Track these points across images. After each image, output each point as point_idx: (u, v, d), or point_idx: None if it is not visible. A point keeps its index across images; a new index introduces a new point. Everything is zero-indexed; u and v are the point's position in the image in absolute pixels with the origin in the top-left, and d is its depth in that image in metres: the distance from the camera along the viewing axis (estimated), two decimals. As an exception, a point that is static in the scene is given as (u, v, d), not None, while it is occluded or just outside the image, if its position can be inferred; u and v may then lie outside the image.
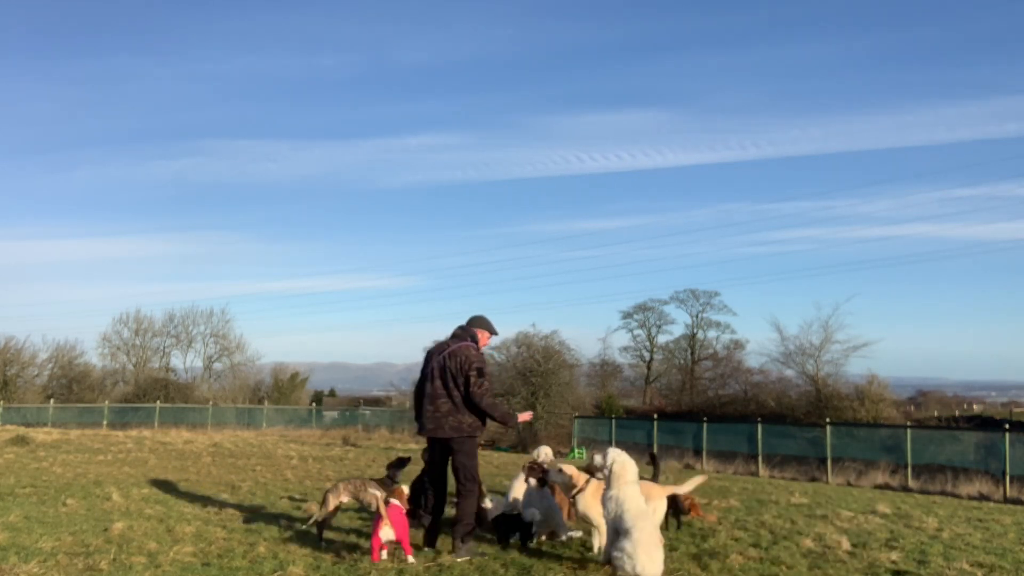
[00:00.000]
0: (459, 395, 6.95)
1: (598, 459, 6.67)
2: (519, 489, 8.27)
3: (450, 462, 7.15)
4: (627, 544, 5.97)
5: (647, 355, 69.04)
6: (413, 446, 25.83)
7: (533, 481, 7.63)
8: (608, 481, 6.42)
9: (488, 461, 20.01)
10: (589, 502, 6.90)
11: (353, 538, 7.65)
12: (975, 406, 72.46)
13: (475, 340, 7.28)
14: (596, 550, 7.09)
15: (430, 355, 7.26)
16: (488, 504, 8.31)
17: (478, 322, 7.50)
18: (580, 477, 7.11)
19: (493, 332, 7.53)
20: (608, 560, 6.21)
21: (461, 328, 7.42)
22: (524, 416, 7.69)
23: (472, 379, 6.92)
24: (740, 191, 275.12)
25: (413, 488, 9.13)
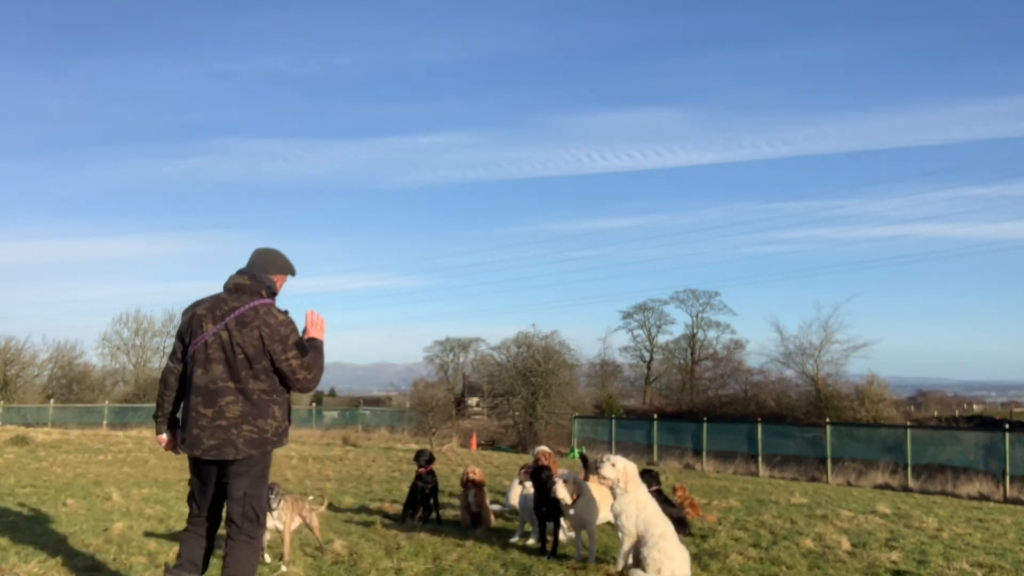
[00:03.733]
0: (260, 388, 4.50)
1: (609, 471, 6.36)
2: (517, 493, 8.27)
3: (229, 488, 4.53)
4: (656, 549, 5.97)
5: (647, 355, 69.15)
6: (413, 446, 25.83)
7: (528, 485, 7.61)
8: (618, 487, 6.39)
9: (488, 461, 20.00)
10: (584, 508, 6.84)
11: (354, 538, 7.65)
12: (975, 406, 72.54)
13: (273, 293, 4.76)
14: (593, 551, 7.09)
15: (195, 321, 4.59)
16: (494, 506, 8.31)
17: (270, 261, 4.86)
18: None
19: (291, 273, 4.99)
20: (635, 564, 6.19)
21: (247, 275, 4.71)
22: (319, 328, 4.93)
23: (291, 361, 4.55)
24: (752, 190, 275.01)
25: (409, 492, 9.22)
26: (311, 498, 8.04)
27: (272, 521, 6.27)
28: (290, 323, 4.68)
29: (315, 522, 6.87)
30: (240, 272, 4.75)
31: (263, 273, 4.75)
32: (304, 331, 4.83)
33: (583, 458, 9.51)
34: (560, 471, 7.13)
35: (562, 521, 7.79)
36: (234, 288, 4.68)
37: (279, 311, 4.69)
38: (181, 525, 8.14)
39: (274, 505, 6.27)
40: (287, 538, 6.40)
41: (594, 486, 7.00)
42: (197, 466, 4.63)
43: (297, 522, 6.62)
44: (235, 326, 4.50)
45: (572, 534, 7.79)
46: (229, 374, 4.48)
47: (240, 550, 4.48)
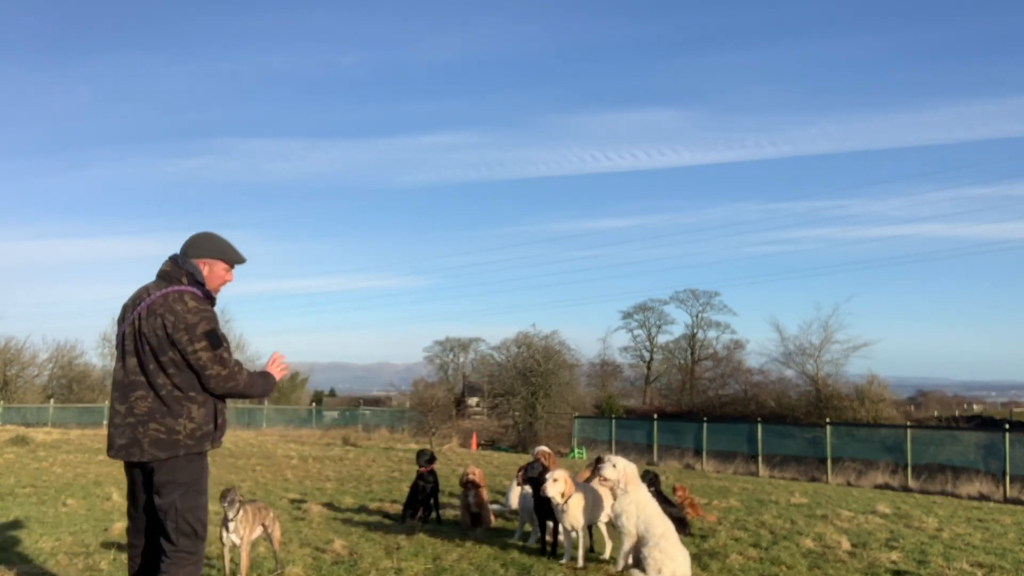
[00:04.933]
0: (169, 383, 4.07)
1: (610, 472, 6.35)
2: (517, 493, 8.27)
3: (157, 500, 4.09)
4: (657, 549, 5.97)
5: (647, 355, 69.19)
6: (413, 446, 25.84)
7: (527, 486, 7.60)
8: (618, 488, 6.38)
9: (488, 461, 20.00)
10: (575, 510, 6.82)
11: (354, 538, 7.65)
12: (975, 406, 72.53)
13: (197, 280, 4.32)
14: (579, 553, 7.09)
15: (122, 312, 4.33)
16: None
17: (195, 245, 4.39)
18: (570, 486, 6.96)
19: (235, 260, 4.50)
20: (635, 564, 6.19)
21: (171, 260, 4.33)
22: (280, 368, 4.65)
23: (200, 353, 4.07)
24: (754, 190, 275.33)
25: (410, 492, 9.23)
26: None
27: (228, 536, 5.66)
28: (202, 311, 4.14)
29: (276, 533, 6.16)
30: (168, 258, 4.37)
31: (184, 258, 4.33)
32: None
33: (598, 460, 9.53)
34: (555, 470, 7.08)
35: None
36: (158, 275, 4.32)
37: (193, 298, 4.16)
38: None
39: (231, 516, 5.63)
40: (244, 552, 5.74)
41: (595, 486, 6.99)
42: (126, 470, 4.27)
43: (258, 531, 5.95)
44: (145, 315, 4.12)
45: (573, 534, 7.80)
46: (140, 367, 4.10)
47: (176, 569, 4.00)
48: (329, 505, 10.25)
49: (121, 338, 4.23)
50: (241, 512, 5.70)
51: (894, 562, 7.14)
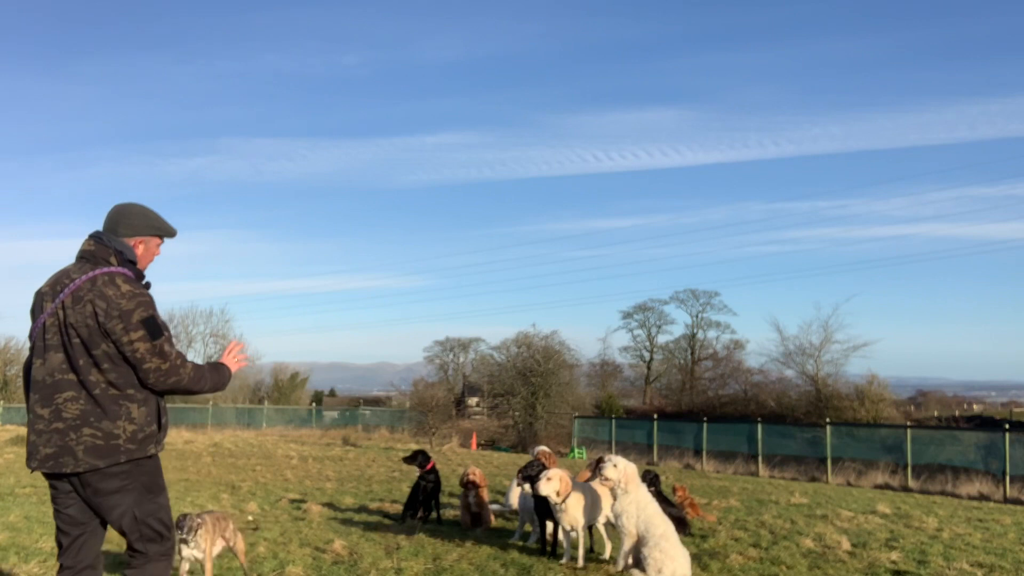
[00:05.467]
0: (104, 380, 3.54)
1: (612, 472, 6.32)
2: (517, 493, 8.27)
3: (109, 515, 3.60)
4: (657, 550, 5.97)
5: (647, 355, 69.23)
6: (413, 446, 25.84)
7: (527, 486, 7.59)
8: (619, 488, 6.38)
9: (488, 461, 20.01)
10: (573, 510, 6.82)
11: (354, 538, 7.65)
12: (975, 406, 72.54)
13: (128, 260, 3.76)
14: (579, 553, 7.09)
15: (37, 300, 3.75)
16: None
17: (123, 220, 3.82)
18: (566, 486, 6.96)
19: (170, 234, 3.99)
20: (635, 564, 6.19)
21: (94, 239, 3.75)
22: (236, 359, 4.08)
23: (136, 344, 3.53)
24: (756, 190, 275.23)
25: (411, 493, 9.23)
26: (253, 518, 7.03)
27: (188, 551, 5.25)
28: (137, 296, 3.57)
29: (240, 545, 5.74)
30: (89, 236, 3.76)
31: (112, 235, 3.75)
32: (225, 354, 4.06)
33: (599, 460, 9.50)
34: (551, 470, 7.07)
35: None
36: (80, 256, 3.74)
37: (125, 281, 3.61)
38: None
39: (185, 533, 5.24)
40: (208, 567, 5.34)
41: (595, 486, 6.99)
42: (50, 482, 3.64)
43: (220, 545, 5.53)
44: (70, 303, 3.56)
45: (573, 534, 7.80)
46: (68, 364, 3.55)
47: (151, 567, 3.61)
48: (329, 505, 10.25)
49: (40, 331, 3.64)
50: (201, 527, 5.26)
51: (894, 562, 7.14)
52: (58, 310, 3.59)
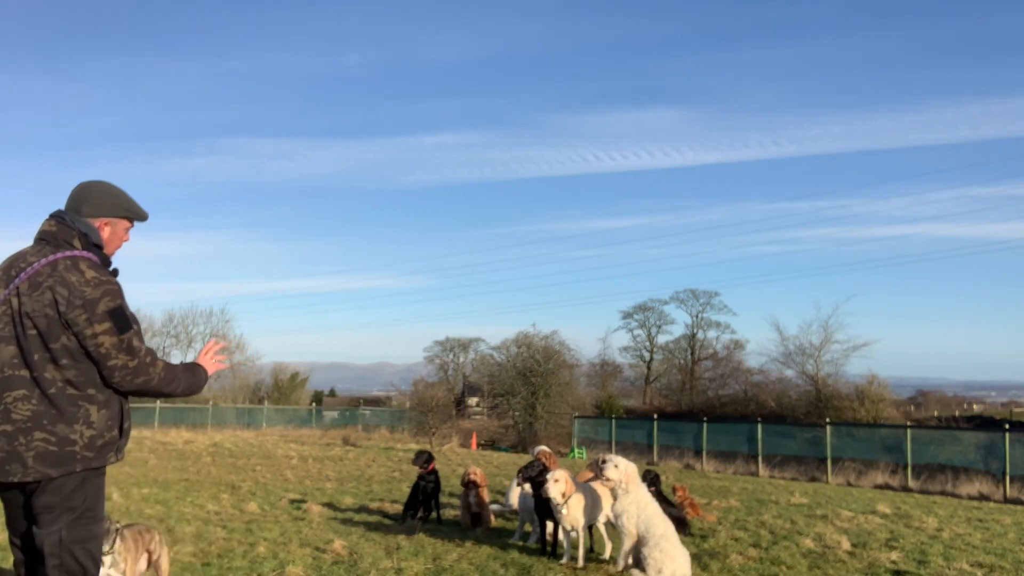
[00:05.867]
0: (61, 378, 3.14)
1: (613, 472, 6.31)
2: (517, 493, 8.27)
3: (37, 530, 3.14)
4: (657, 550, 5.98)
5: (647, 355, 69.23)
6: (413, 446, 25.84)
7: (527, 486, 7.59)
8: (619, 488, 6.37)
9: (488, 461, 20.01)
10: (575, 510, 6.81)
11: (354, 538, 7.65)
12: (975, 406, 72.54)
13: (93, 243, 3.37)
14: (580, 553, 7.08)
15: None
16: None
17: (87, 199, 3.40)
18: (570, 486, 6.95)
19: (140, 217, 3.54)
20: (635, 564, 6.19)
21: (55, 219, 3.36)
22: (214, 360, 3.69)
23: (101, 338, 3.14)
24: (757, 190, 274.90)
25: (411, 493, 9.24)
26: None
27: (105, 570, 4.43)
28: (104, 283, 3.18)
29: (164, 563, 5.06)
30: (49, 216, 3.37)
31: (75, 216, 3.34)
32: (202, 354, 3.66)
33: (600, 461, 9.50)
34: (556, 471, 7.06)
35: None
36: (39, 237, 3.34)
37: (90, 266, 3.21)
38: (181, 525, 8.14)
39: (105, 548, 4.31)
40: None
41: (595, 486, 6.99)
42: (2, 498, 3.25)
43: (143, 563, 4.86)
44: (27, 289, 3.13)
45: (573, 534, 7.80)
46: (21, 358, 3.11)
47: None
48: (329, 505, 10.25)
49: None
50: (119, 540, 4.57)
51: (894, 562, 7.14)
52: (11, 297, 3.15)
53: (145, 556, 4.86)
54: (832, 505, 11.96)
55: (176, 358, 57.91)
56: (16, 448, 3.03)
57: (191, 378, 3.47)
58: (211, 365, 3.62)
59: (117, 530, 4.57)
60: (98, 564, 3.27)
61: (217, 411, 41.03)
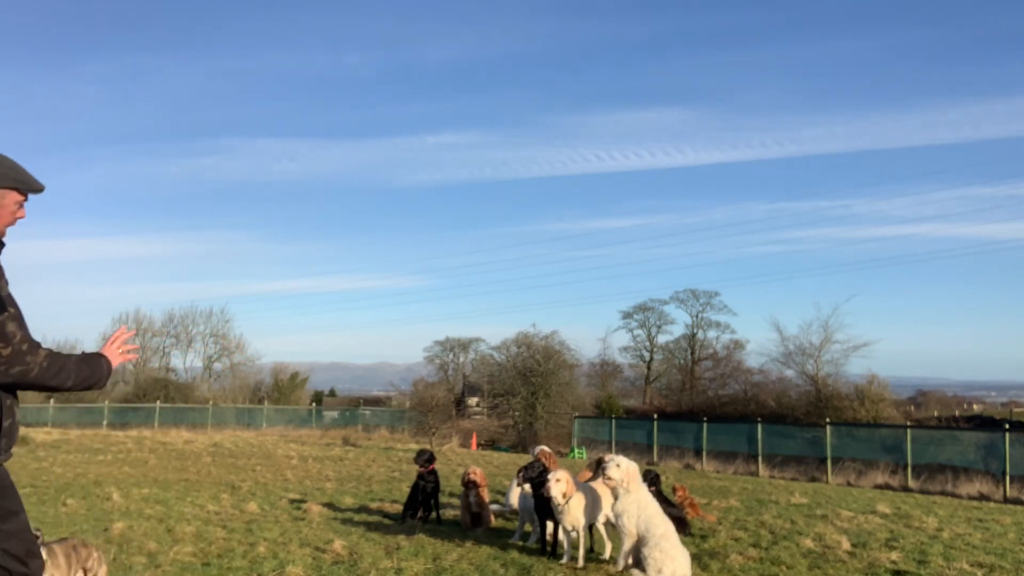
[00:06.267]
0: None
1: (614, 472, 6.32)
2: (517, 493, 8.27)
3: None
4: (657, 549, 5.98)
5: (647, 355, 69.22)
6: (413, 446, 25.84)
7: (527, 486, 7.59)
8: (621, 487, 6.37)
9: (488, 461, 20.01)
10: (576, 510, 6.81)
11: (354, 538, 7.65)
12: (975, 406, 72.53)
13: None
14: (580, 553, 7.08)
15: None
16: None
17: None
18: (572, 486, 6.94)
19: (33, 189, 3.07)
20: (636, 564, 6.19)
21: None
22: (120, 351, 3.34)
23: None
24: (759, 190, 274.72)
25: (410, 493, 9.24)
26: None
27: None
28: None
29: None
30: None
31: None
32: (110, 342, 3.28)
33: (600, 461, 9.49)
34: (557, 471, 7.05)
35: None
36: None
37: None
38: (181, 525, 8.16)
39: None
40: None
41: (595, 486, 6.99)
42: None
43: None
44: None
45: (574, 534, 7.80)
46: None
47: None
48: (329, 505, 10.26)
49: None
50: (48, 558, 4.10)
51: (894, 562, 7.14)
52: None
53: (81, 573, 4.41)
54: (832, 505, 11.96)
55: (177, 358, 57.94)
56: None
57: (86, 370, 3.03)
58: (116, 356, 3.22)
59: (44, 544, 4.05)
60: (33, 550, 2.95)
61: (217, 411, 41.02)
